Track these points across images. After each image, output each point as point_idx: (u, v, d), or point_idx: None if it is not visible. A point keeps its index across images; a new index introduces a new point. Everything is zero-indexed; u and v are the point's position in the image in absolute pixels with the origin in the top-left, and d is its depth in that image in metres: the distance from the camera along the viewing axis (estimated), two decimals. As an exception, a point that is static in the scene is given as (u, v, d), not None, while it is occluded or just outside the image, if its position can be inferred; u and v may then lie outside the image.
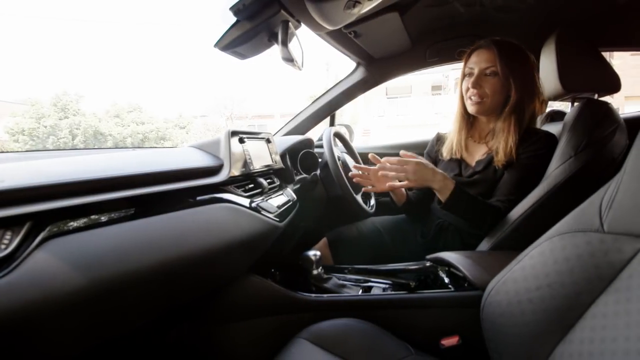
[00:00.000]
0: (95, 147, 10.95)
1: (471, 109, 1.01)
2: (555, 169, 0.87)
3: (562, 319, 0.49)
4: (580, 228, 0.52)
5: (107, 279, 0.44)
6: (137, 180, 0.53)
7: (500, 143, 0.97)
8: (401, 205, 1.16)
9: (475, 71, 0.99)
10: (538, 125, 1.19)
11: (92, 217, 0.46)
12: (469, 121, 1.09)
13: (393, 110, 13.84)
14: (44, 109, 10.88)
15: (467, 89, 1.01)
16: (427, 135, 1.24)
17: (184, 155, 0.71)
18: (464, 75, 1.04)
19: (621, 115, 0.91)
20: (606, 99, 1.00)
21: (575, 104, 0.98)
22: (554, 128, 1.04)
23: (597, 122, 0.87)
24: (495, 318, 0.58)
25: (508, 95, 0.97)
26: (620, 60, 8.86)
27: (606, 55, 1.01)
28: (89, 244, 0.44)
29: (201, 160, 0.70)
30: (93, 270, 0.42)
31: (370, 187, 1.05)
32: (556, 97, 0.99)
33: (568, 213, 0.57)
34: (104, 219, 0.47)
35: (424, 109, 12.79)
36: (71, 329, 0.45)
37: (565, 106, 1.04)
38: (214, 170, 0.69)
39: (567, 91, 0.92)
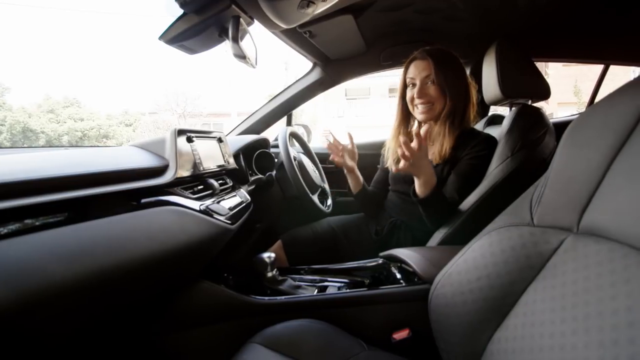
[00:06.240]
0: (25, 145, 9.82)
1: (421, 117, 1.06)
2: (495, 169, 0.94)
3: (499, 306, 0.53)
4: (514, 222, 0.56)
5: (26, 293, 0.39)
6: (70, 182, 0.48)
7: (436, 146, 1.04)
8: (357, 192, 1.21)
9: (417, 81, 1.04)
10: (480, 128, 1.28)
11: (13, 224, 0.41)
12: (406, 128, 1.14)
13: (352, 111, 14.12)
14: (-39, 102, 9.57)
15: (413, 99, 1.06)
16: (384, 135, 1.29)
17: (124, 155, 0.66)
18: (405, 86, 1.09)
19: (551, 120, 1.01)
20: (542, 104, 1.10)
21: (513, 108, 1.07)
22: (494, 131, 1.12)
23: (530, 125, 0.96)
24: (441, 309, 0.61)
25: (446, 100, 1.03)
26: (554, 71, 9.90)
27: (542, 65, 1.11)
28: (4, 255, 0.38)
29: (144, 160, 0.65)
30: (9, 285, 0.37)
31: (336, 159, 1.15)
32: (496, 102, 1.08)
33: (506, 208, 0.62)
34: (29, 225, 0.42)
35: (382, 111, 13.17)
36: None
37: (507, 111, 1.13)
38: (158, 171, 0.65)
39: (505, 96, 1.00)
